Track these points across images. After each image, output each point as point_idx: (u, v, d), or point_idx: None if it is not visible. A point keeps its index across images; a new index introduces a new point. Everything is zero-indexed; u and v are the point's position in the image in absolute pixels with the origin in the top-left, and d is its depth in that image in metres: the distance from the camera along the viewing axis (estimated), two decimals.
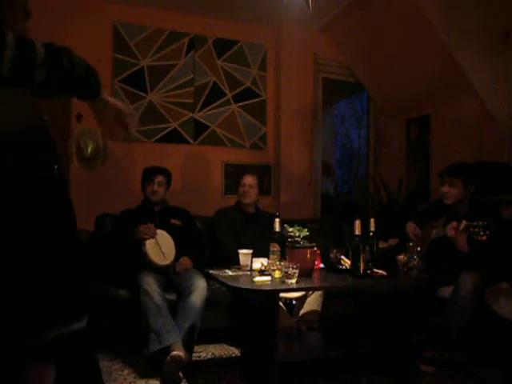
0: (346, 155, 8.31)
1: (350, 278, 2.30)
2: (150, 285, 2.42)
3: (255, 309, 2.42)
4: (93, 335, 1.16)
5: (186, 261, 2.76)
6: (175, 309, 2.46)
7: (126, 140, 3.73)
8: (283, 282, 2.12)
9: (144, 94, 3.90)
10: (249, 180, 3.07)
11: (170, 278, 2.65)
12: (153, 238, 2.66)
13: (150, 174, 2.92)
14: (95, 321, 1.13)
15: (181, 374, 2.22)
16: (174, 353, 2.18)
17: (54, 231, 1.02)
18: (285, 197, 4.27)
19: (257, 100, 4.30)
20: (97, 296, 2.67)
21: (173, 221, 2.92)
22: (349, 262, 2.42)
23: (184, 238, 2.84)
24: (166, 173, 2.96)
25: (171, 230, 2.80)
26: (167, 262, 2.67)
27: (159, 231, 2.71)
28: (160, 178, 2.90)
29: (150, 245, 2.64)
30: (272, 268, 2.26)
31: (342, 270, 2.50)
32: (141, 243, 2.62)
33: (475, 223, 2.36)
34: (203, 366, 2.53)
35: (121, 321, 2.68)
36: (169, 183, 2.99)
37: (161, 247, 2.67)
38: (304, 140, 4.39)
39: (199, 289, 2.49)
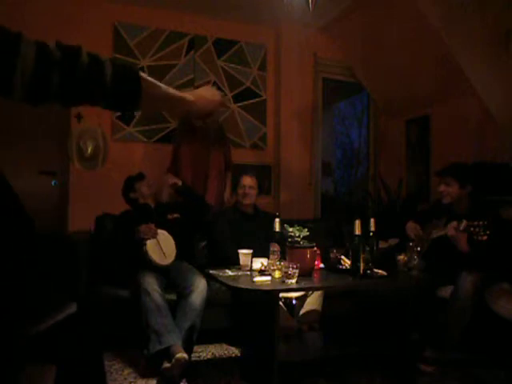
0: (346, 155, 8.32)
1: (349, 278, 2.30)
2: (151, 285, 2.42)
3: (255, 309, 2.42)
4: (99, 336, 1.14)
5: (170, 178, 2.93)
6: (175, 309, 2.46)
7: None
8: (283, 282, 2.12)
9: None
10: (248, 181, 3.06)
11: (171, 278, 2.65)
12: (153, 238, 2.67)
13: (136, 180, 2.93)
14: (96, 321, 1.12)
15: (180, 374, 2.22)
16: (179, 355, 2.16)
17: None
18: (285, 197, 4.27)
19: (257, 100, 4.30)
20: (97, 296, 2.68)
21: (170, 216, 2.93)
22: (349, 262, 2.42)
23: (186, 228, 2.85)
24: (144, 175, 2.99)
25: (170, 225, 2.80)
26: (168, 261, 2.67)
27: (160, 231, 2.71)
28: (146, 181, 2.94)
29: (150, 245, 2.64)
30: (272, 268, 2.26)
31: (342, 269, 2.49)
32: (141, 243, 2.63)
33: (475, 223, 2.37)
34: (203, 365, 2.53)
35: (121, 321, 2.68)
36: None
37: (162, 247, 2.68)
38: (304, 140, 4.39)
39: (199, 289, 2.49)
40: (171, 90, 1.04)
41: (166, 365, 2.18)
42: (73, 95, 0.89)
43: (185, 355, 2.19)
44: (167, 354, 2.20)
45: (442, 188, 2.71)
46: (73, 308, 0.99)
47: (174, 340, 2.24)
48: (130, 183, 2.92)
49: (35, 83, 0.82)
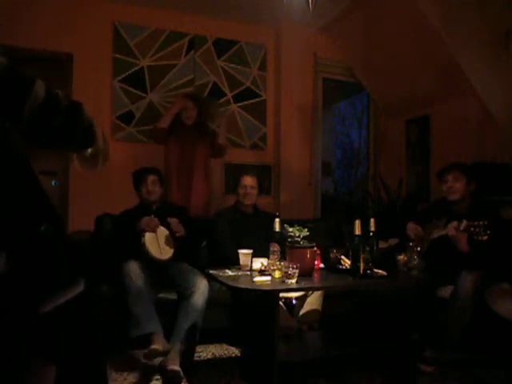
0: (346, 155, 8.32)
1: (349, 278, 2.30)
2: (135, 270, 2.44)
3: (255, 309, 2.42)
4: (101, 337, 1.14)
5: (176, 222, 2.76)
6: (176, 309, 2.46)
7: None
8: (283, 282, 2.12)
9: (144, 94, 3.90)
10: (249, 181, 3.06)
11: (170, 276, 2.65)
12: (153, 231, 2.68)
13: (141, 174, 2.91)
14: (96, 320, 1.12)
15: (181, 374, 2.23)
16: (154, 346, 2.23)
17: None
18: (285, 197, 4.27)
19: (257, 100, 4.30)
20: (97, 296, 2.67)
21: (169, 219, 2.92)
22: (349, 262, 2.42)
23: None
24: (156, 172, 2.96)
25: (168, 229, 2.80)
26: (164, 257, 2.67)
27: (161, 228, 2.72)
28: (152, 177, 2.89)
29: (149, 237, 2.65)
30: (272, 268, 2.26)
31: (342, 269, 2.49)
32: (140, 234, 2.64)
33: (476, 223, 2.37)
34: (203, 366, 2.53)
35: (121, 321, 2.68)
36: (162, 181, 2.99)
37: (159, 242, 2.68)
38: (304, 140, 4.39)
39: (201, 290, 2.48)
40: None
41: (145, 351, 2.25)
42: (66, 136, 1.08)
43: (159, 347, 2.23)
44: (149, 341, 2.26)
45: (450, 183, 2.69)
46: (81, 286, 1.02)
47: (152, 328, 2.29)
48: (135, 182, 2.92)
49: (40, 115, 0.97)
